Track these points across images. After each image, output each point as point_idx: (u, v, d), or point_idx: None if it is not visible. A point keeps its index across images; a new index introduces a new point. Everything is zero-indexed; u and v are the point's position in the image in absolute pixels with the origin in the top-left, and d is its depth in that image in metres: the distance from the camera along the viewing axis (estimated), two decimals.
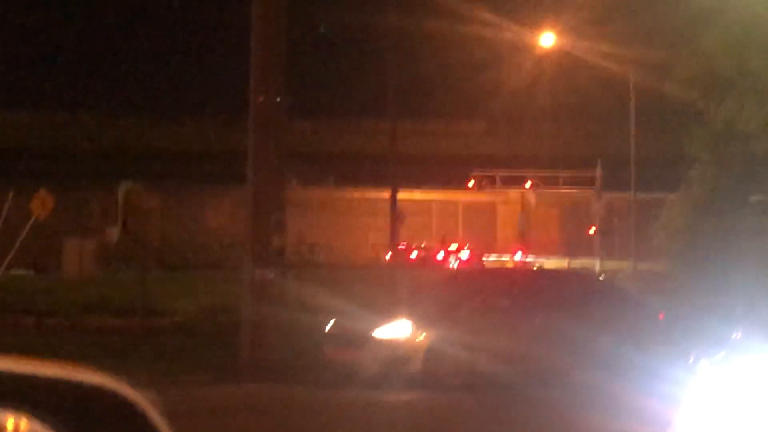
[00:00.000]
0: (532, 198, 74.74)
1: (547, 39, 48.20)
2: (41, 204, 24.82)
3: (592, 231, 56.07)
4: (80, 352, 19.89)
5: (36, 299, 31.49)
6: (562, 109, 69.49)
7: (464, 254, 64.66)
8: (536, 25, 49.32)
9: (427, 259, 63.23)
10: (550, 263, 57.93)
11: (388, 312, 19.40)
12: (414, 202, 63.85)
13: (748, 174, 32.74)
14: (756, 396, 6.38)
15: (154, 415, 1.96)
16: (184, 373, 18.81)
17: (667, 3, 35.73)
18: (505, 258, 65.10)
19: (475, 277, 27.05)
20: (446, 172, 73.02)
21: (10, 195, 23.72)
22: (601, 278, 33.59)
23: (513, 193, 75.60)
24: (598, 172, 57.55)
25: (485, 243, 68.72)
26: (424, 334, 18.25)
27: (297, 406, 16.24)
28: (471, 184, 76.72)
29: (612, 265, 54.07)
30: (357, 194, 71.10)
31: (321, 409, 15.85)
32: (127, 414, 1.92)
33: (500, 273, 31.25)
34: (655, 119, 51.59)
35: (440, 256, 64.92)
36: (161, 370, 18.59)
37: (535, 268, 42.22)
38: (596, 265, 53.22)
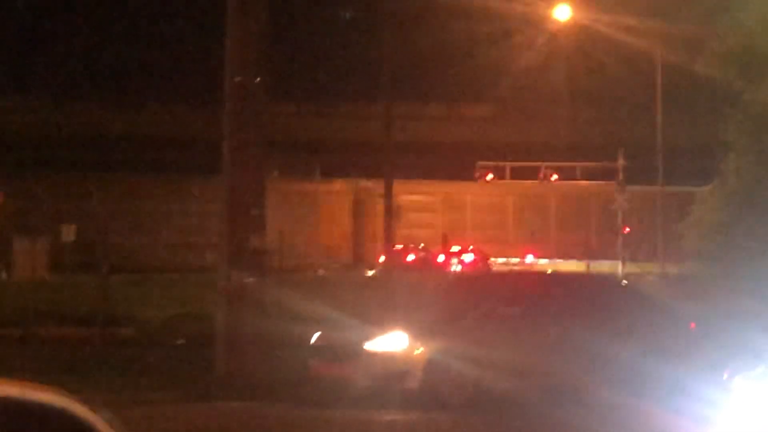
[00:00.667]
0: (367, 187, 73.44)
1: (562, 11, 48.27)
2: None
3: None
4: (32, 366, 19.87)
5: None
6: (580, 92, 69.56)
7: (468, 257, 64.75)
8: None
9: (426, 262, 63.31)
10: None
11: (381, 321, 19.43)
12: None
13: None
14: None
15: None
16: (151, 389, 18.84)
17: None
18: None
19: (480, 281, 27.08)
20: (448, 163, 73.09)
21: None
22: (623, 283, 33.64)
23: (339, 183, 75.06)
24: (621, 162, 57.64)
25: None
26: (422, 346, 18.27)
27: (278, 427, 16.26)
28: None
29: (636, 268, 54.14)
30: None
31: (307, 431, 15.87)
32: None
33: (509, 277, 31.29)
34: (685, 102, 51.63)
35: (441, 258, 65.00)
36: (125, 387, 18.63)
37: (549, 272, 42.30)
38: (618, 267, 53.29)
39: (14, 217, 52.81)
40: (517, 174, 76.24)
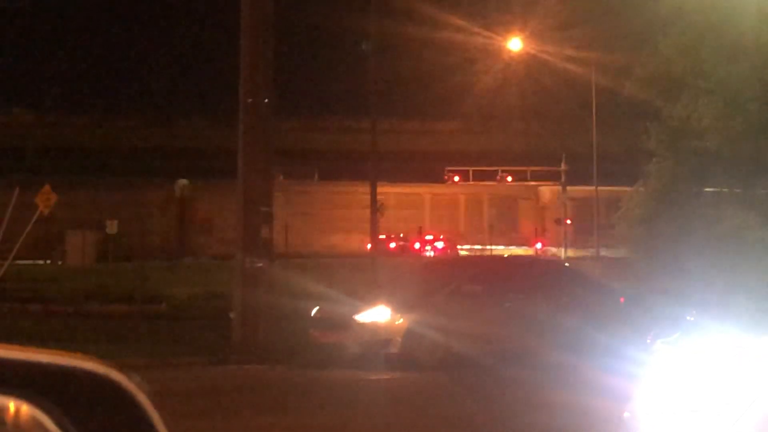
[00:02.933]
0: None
1: (515, 44, 48.33)
2: (45, 199, 24.72)
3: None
4: (83, 337, 19.84)
5: (42, 287, 31.44)
6: (530, 109, 69.57)
7: (439, 244, 64.83)
8: (505, 30, 49.44)
9: (405, 249, 63.38)
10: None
11: (368, 298, 19.41)
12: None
13: (702, 167, 32.86)
14: (707, 374, 6.41)
15: (143, 398, 1.96)
16: (180, 355, 18.79)
17: (626, 10, 35.82)
18: None
19: (449, 264, 27.06)
20: (423, 168, 73.07)
21: (16, 190, 23.60)
22: (566, 265, 33.65)
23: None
24: (563, 166, 57.75)
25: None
26: (402, 318, 18.26)
27: (285, 385, 16.23)
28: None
29: (576, 252, 54.20)
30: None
31: (307, 388, 15.85)
32: (115, 396, 1.91)
33: (473, 261, 31.29)
34: (615, 117, 51.66)
35: (417, 245, 65.07)
36: (159, 353, 18.57)
37: (505, 256, 42.30)
38: (561, 252, 53.34)
39: (67, 214, 52.67)
40: (479, 177, 76.31)
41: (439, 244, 64.73)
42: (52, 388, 1.81)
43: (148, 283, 28.20)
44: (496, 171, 76.16)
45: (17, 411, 1.90)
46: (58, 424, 1.86)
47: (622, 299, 20.23)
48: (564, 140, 62.75)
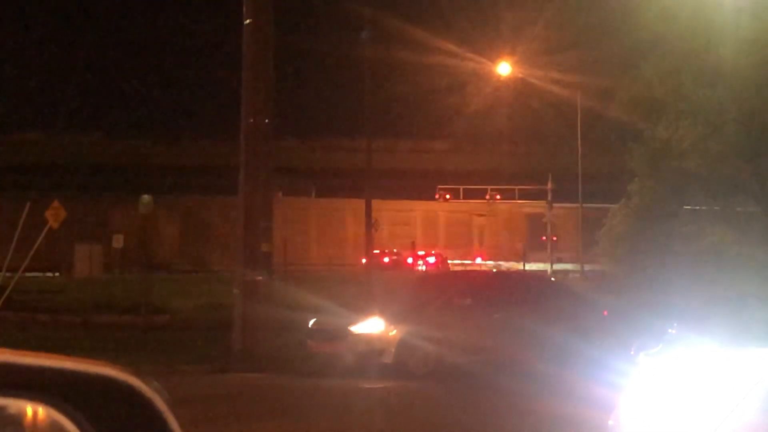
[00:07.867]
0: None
1: (504, 68, 48.44)
2: (55, 214, 24.71)
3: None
4: (90, 346, 19.82)
5: (51, 298, 31.40)
6: (518, 130, 69.68)
7: (431, 259, 64.78)
8: (494, 55, 49.57)
9: (398, 263, 63.30)
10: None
11: (363, 310, 19.40)
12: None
13: (682, 186, 32.94)
14: (688, 384, 6.42)
15: (160, 402, 1.96)
16: (183, 363, 18.76)
17: (610, 36, 35.92)
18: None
19: (440, 278, 27.07)
20: (415, 186, 73.10)
21: (27, 205, 23.57)
22: (552, 279, 33.66)
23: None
24: (550, 185, 57.78)
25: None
26: (395, 329, 18.25)
27: (283, 393, 16.21)
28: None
29: (562, 267, 54.20)
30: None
31: (305, 396, 15.83)
32: (135, 402, 1.92)
33: (463, 275, 31.27)
34: (599, 138, 51.77)
35: (410, 260, 64.99)
36: (162, 361, 18.54)
37: (494, 271, 42.30)
38: (548, 267, 53.34)
39: (75, 228, 52.60)
40: (469, 195, 76.32)
41: (431, 259, 64.69)
42: (73, 393, 1.81)
43: (152, 294, 28.15)
44: (486, 189, 76.19)
45: (35, 414, 1.90)
46: (80, 427, 1.86)
47: (605, 312, 20.25)
48: (550, 160, 62.81)
